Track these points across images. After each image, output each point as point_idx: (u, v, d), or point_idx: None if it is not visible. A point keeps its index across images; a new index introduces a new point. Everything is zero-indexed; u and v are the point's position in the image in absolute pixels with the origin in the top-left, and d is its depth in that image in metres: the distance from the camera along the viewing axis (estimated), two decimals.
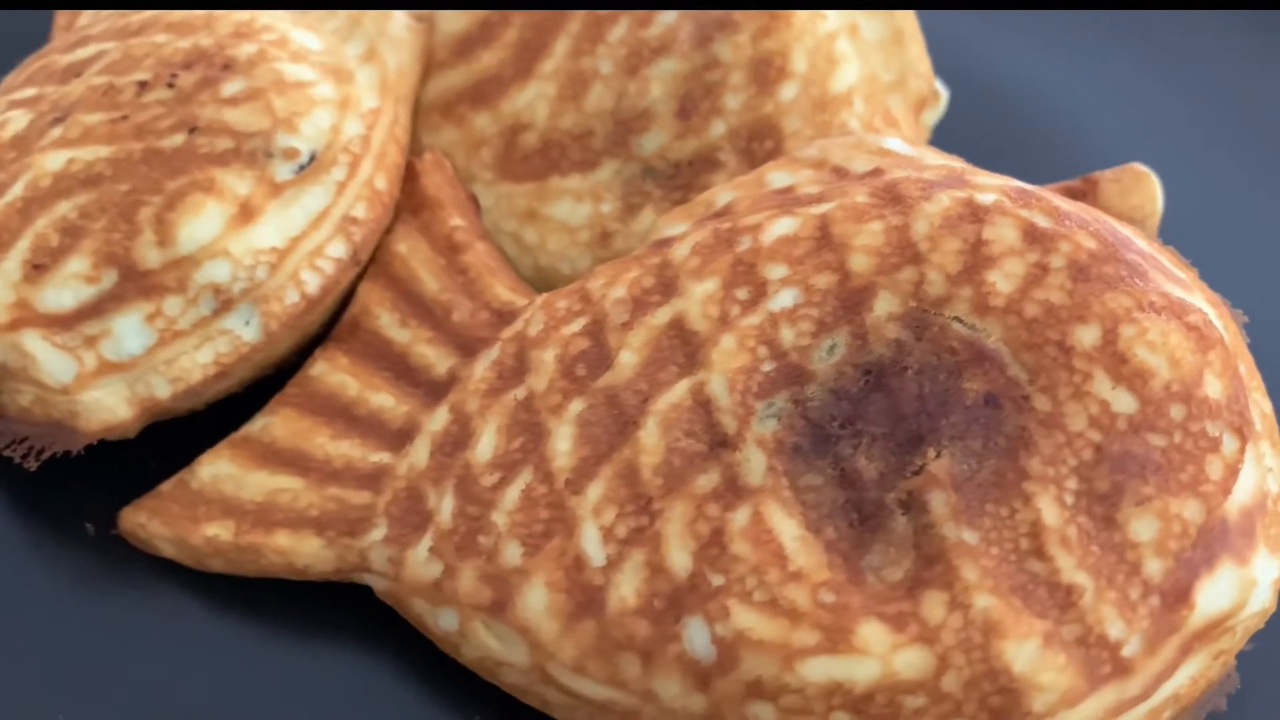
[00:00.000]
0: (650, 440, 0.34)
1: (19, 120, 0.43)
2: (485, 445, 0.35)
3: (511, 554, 0.34)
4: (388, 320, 0.39)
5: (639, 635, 0.32)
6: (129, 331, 0.38)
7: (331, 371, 0.39)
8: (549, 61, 0.43)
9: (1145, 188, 0.40)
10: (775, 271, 0.35)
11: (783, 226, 0.36)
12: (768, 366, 0.34)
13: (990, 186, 0.35)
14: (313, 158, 0.40)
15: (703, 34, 0.42)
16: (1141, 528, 0.30)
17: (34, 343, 0.39)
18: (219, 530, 0.37)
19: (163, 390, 0.39)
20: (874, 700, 0.30)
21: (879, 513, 0.31)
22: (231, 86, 0.41)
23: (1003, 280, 0.33)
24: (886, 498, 0.31)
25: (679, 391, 0.34)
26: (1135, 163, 0.40)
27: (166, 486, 0.39)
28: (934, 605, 0.30)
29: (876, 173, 0.37)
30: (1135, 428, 0.31)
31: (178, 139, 0.40)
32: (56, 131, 0.42)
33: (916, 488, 0.31)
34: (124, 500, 0.40)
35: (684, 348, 0.34)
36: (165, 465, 0.40)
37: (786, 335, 0.34)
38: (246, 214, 0.39)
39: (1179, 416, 0.31)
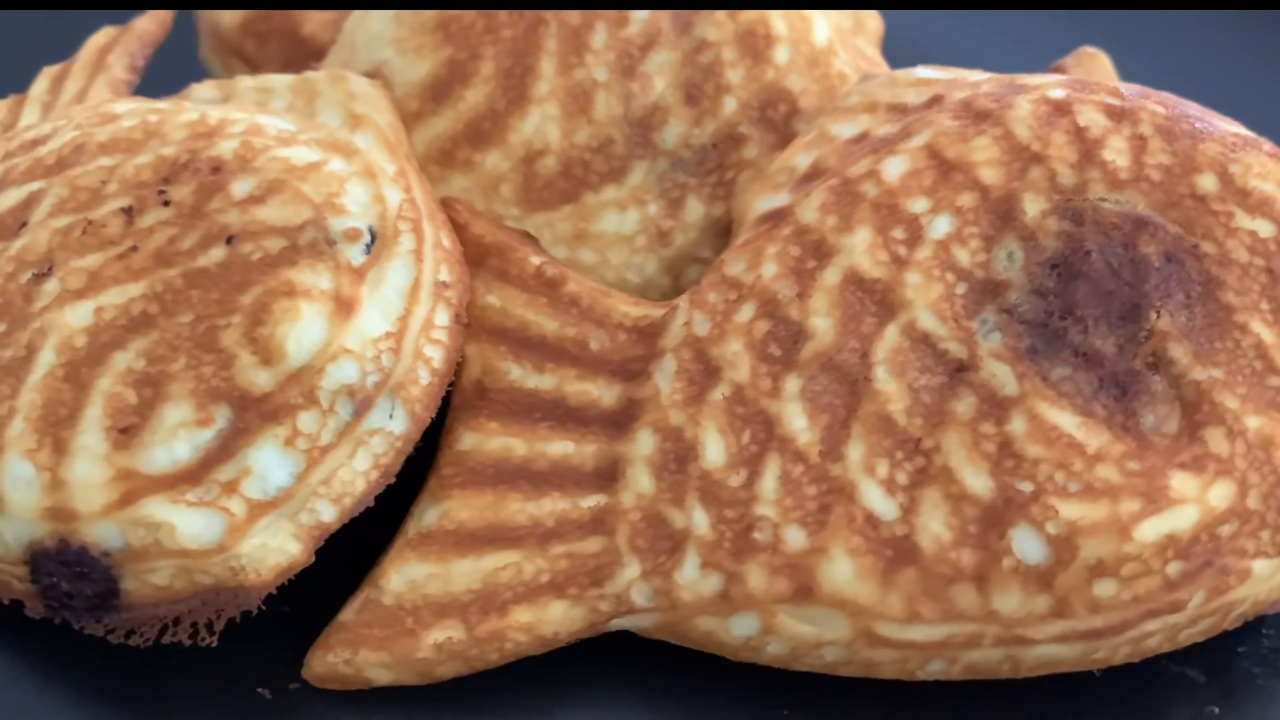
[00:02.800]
0: (889, 387, 0.35)
1: None
2: (714, 450, 0.35)
3: (796, 539, 0.34)
4: (520, 373, 0.38)
5: (966, 564, 0.33)
6: (270, 463, 0.35)
7: (485, 440, 0.37)
8: (541, 84, 0.42)
9: (1101, 64, 0.45)
10: (918, 205, 0.37)
11: (896, 166, 0.37)
12: (961, 289, 0.36)
13: (1048, 84, 0.39)
14: (373, 234, 0.38)
15: (682, 21, 0.43)
16: None
17: (161, 509, 0.35)
18: (448, 632, 0.35)
19: (329, 513, 0.36)
20: (1198, 540, 0.33)
21: (1134, 380, 0.34)
22: (242, 186, 0.38)
23: (1118, 156, 0.37)
24: (1134, 365, 0.34)
25: (892, 336, 0.35)
26: (1085, 46, 0.45)
27: (348, 615, 0.36)
28: (1217, 440, 0.33)
29: (938, 99, 0.39)
30: None
31: (217, 253, 0.37)
32: (51, 287, 0.38)
33: (1156, 348, 0.34)
34: (261, 656, 0.37)
35: (872, 297, 0.36)
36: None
37: (962, 257, 0.36)
38: (345, 307, 0.36)
39: None
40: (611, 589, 0.35)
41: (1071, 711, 0.35)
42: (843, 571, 0.34)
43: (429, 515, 0.37)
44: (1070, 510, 0.33)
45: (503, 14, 0.43)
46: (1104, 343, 0.35)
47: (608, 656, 0.37)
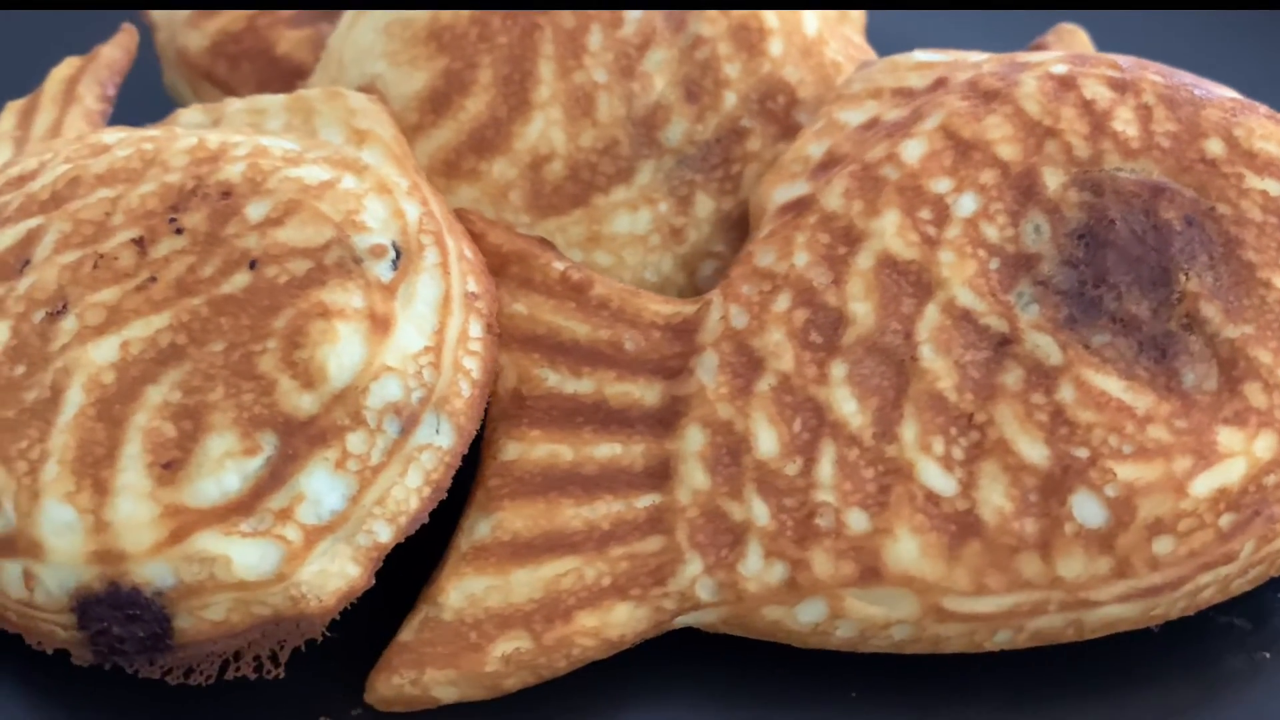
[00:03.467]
0: (936, 365, 0.35)
1: (1, 329, 0.37)
2: (767, 441, 0.36)
3: (858, 521, 0.35)
4: (557, 379, 0.38)
5: (1029, 533, 0.34)
6: (323, 487, 0.35)
7: (530, 449, 0.37)
8: (542, 88, 0.42)
9: (1080, 40, 0.46)
10: (941, 185, 0.37)
11: (915, 148, 0.38)
12: (994, 264, 0.36)
13: (1049, 60, 0.40)
14: (398, 250, 0.37)
15: (676, 19, 0.43)
16: None
17: (215, 543, 0.34)
18: (515, 643, 0.35)
19: (385, 533, 0.35)
20: (1247, 491, 0.34)
21: (1171, 341, 0.35)
22: (257, 208, 0.38)
23: (1127, 126, 0.37)
24: (1170, 327, 0.35)
25: (933, 315, 0.36)
26: (1062, 23, 0.46)
27: (408, 635, 0.36)
28: (1256, 394, 0.34)
29: (943, 81, 0.40)
30: None
31: (241, 279, 0.36)
32: (69, 324, 0.37)
33: (1189, 309, 0.35)
34: (316, 685, 0.36)
35: (907, 278, 0.36)
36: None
37: (991, 233, 0.37)
38: (381, 324, 0.36)
39: None
40: (675, 586, 0.35)
41: (1128, 669, 0.36)
42: (908, 550, 0.34)
43: (481, 528, 0.36)
44: (1127, 472, 0.34)
45: (495, 21, 0.43)
46: (1138, 307, 0.35)
47: (666, 653, 0.37)
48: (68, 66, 0.48)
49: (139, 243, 0.38)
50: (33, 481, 0.35)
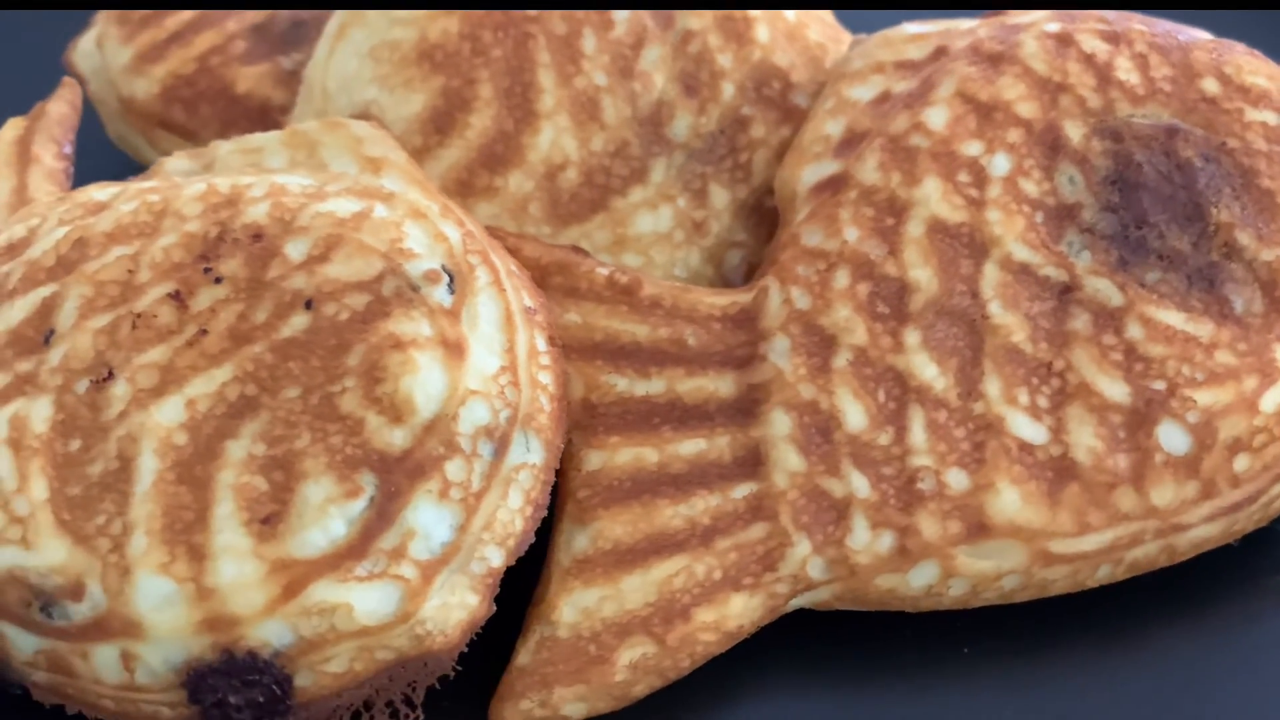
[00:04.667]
0: (1007, 320, 0.36)
1: (38, 408, 0.35)
2: (855, 415, 0.36)
3: (958, 481, 0.35)
4: (626, 383, 0.37)
5: (1123, 468, 0.35)
6: (430, 519, 0.34)
7: (612, 456, 0.37)
8: (545, 97, 0.42)
9: None
10: (972, 148, 0.38)
11: (938, 115, 0.39)
12: (1039, 218, 0.37)
13: (1040, 19, 0.41)
14: (449, 273, 0.37)
15: (664, 16, 0.43)
16: None
17: (333, 592, 0.33)
18: (639, 649, 0.35)
19: (497, 557, 0.35)
20: None
21: (1216, 271, 0.37)
22: (296, 248, 0.37)
23: (1129, 75, 0.39)
24: (1212, 257, 0.37)
25: (993, 273, 0.37)
26: None
27: (525, 659, 0.35)
28: None
29: (943, 50, 0.41)
30: None
31: (300, 321, 0.35)
32: (120, 390, 0.35)
33: (1226, 239, 0.37)
34: None
35: (960, 240, 0.37)
36: None
37: (1029, 188, 0.38)
38: (455, 349, 0.35)
39: None
40: (786, 570, 0.36)
41: (1212, 586, 0.38)
42: (1011, 501, 0.35)
43: (579, 541, 0.36)
44: (1204, 398, 0.35)
45: (486, 34, 0.42)
46: (1180, 243, 0.37)
47: (770, 636, 0.37)
48: (13, 128, 0.46)
49: (176, 297, 0.36)
50: (120, 558, 0.33)
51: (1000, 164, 0.38)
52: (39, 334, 0.37)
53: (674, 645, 0.35)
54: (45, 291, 0.37)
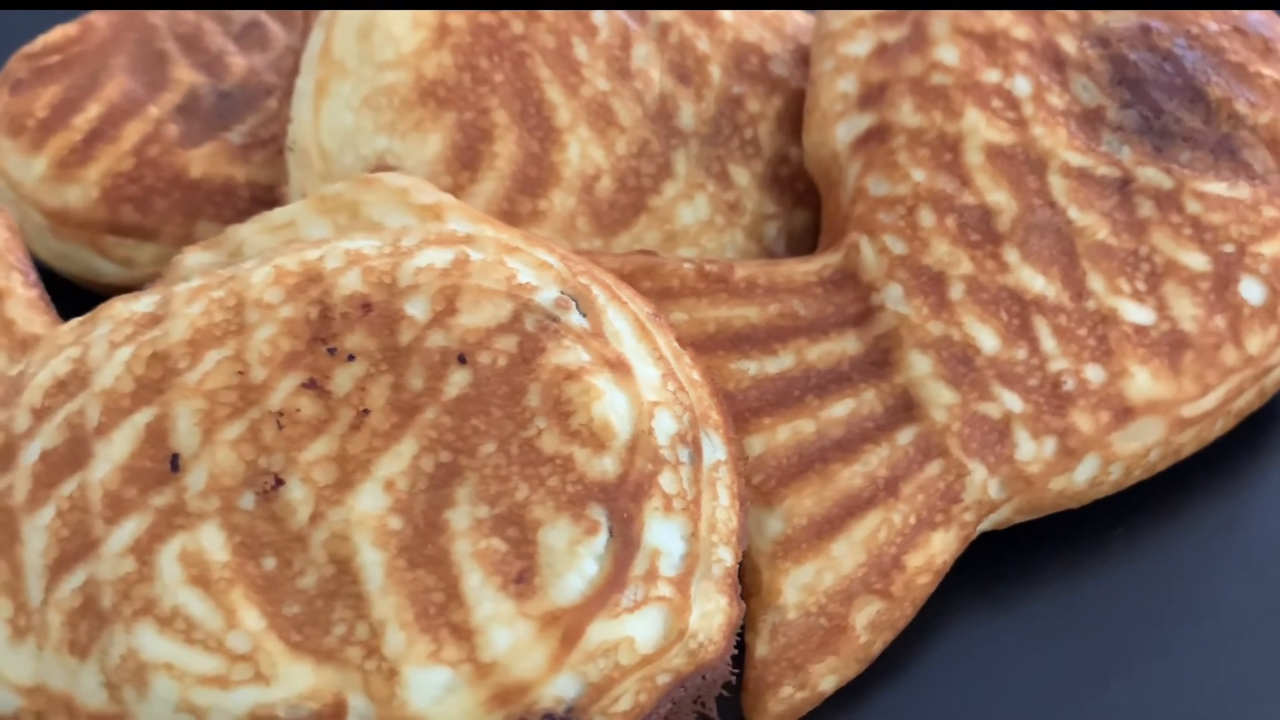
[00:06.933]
0: (1088, 220, 0.39)
1: (207, 537, 0.33)
2: (988, 339, 0.38)
3: (1096, 375, 0.38)
4: (756, 366, 0.38)
5: (1222, 327, 0.39)
6: (665, 534, 0.33)
7: (772, 437, 0.37)
8: (561, 112, 0.41)
9: None
10: (993, 75, 0.41)
11: (949, 52, 0.41)
12: (1073, 126, 0.40)
13: None
14: (572, 296, 0.36)
15: (637, 14, 0.43)
16: None
17: (610, 630, 0.32)
18: (870, 610, 0.35)
19: (729, 556, 0.34)
20: None
21: (1232, 141, 0.41)
22: (416, 307, 0.35)
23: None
24: (1224, 130, 0.41)
25: (1058, 182, 0.39)
26: None
27: (764, 650, 0.35)
28: None
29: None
30: None
31: (460, 377, 0.34)
32: (298, 494, 0.33)
33: (1229, 111, 0.41)
34: None
35: (1017, 160, 0.40)
36: None
37: (1055, 102, 0.41)
38: (619, 366, 0.35)
39: None
40: (970, 497, 0.37)
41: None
42: (1144, 382, 0.38)
43: (772, 524, 0.36)
44: (1267, 250, 0.39)
45: (483, 60, 0.41)
46: (1194, 123, 0.41)
47: None
48: None
49: (312, 385, 0.34)
50: (379, 661, 0.31)
51: (1022, 85, 0.41)
52: (159, 463, 0.34)
53: (900, 595, 0.36)
54: (143, 418, 0.34)
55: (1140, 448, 0.38)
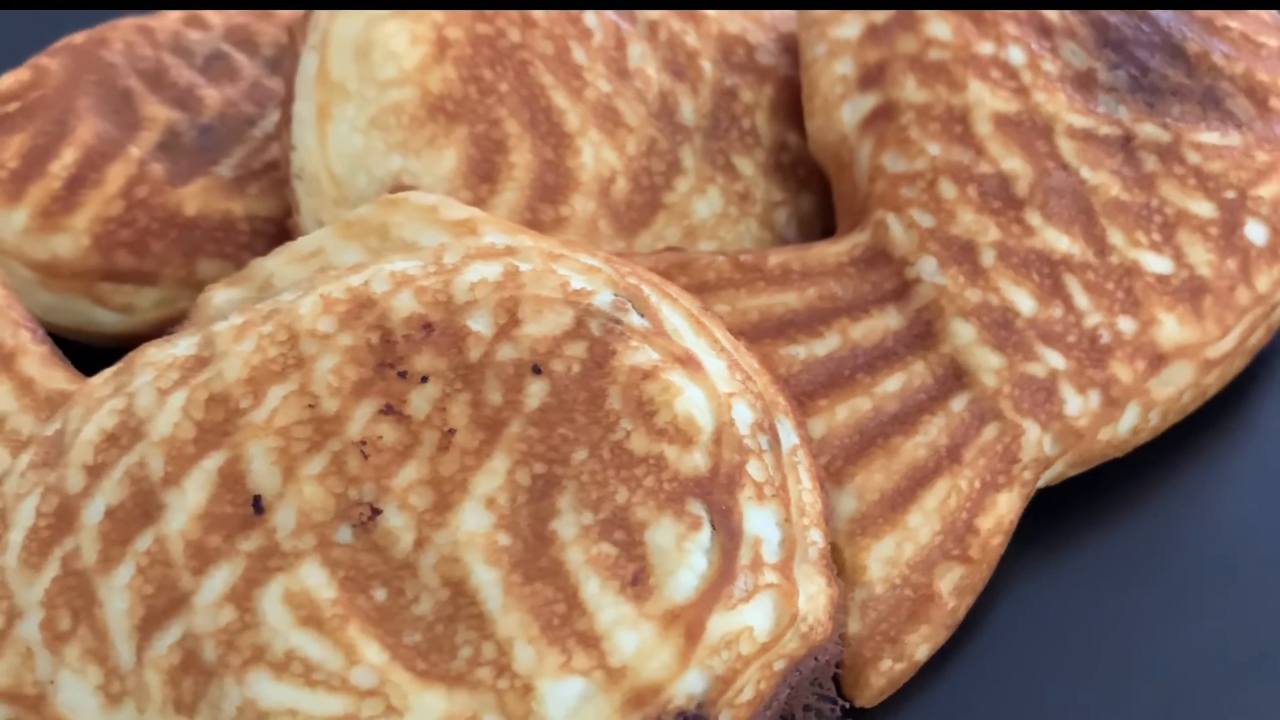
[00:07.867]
0: (1099, 179, 0.40)
1: (309, 576, 0.32)
2: (1024, 301, 0.39)
3: (1128, 326, 0.39)
4: (804, 350, 0.38)
5: (1235, 270, 0.40)
6: (762, 522, 0.33)
7: (831, 418, 0.37)
8: (569, 116, 0.41)
9: None
10: (986, 48, 0.42)
11: (941, 28, 0.42)
12: (1070, 90, 0.42)
13: None
14: (623, 295, 0.36)
15: (625, 14, 0.43)
16: None
17: (729, 621, 0.32)
18: (952, 576, 0.36)
19: (819, 538, 0.34)
20: None
21: (1215, 92, 0.42)
22: (479, 322, 0.35)
23: None
24: (1207, 82, 0.42)
25: (1066, 145, 0.41)
26: None
27: (857, 627, 0.36)
28: (1277, 106, 0.43)
29: None
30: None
31: (538, 388, 0.34)
32: (396, 521, 0.32)
33: (1208, 65, 0.43)
34: None
35: (1024, 126, 0.41)
36: None
37: (1050, 68, 0.42)
38: (689, 361, 0.35)
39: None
40: (1028, 456, 0.38)
41: None
42: (1172, 328, 0.39)
43: (846, 503, 0.37)
44: (1265, 191, 0.41)
45: (486, 71, 0.41)
46: (1179, 78, 0.42)
47: None
48: None
49: (390, 411, 0.33)
50: (511, 679, 0.30)
51: (1016, 54, 0.42)
52: (240, 507, 0.32)
53: (978, 558, 0.36)
54: (212, 463, 0.33)
55: (1174, 391, 0.40)
